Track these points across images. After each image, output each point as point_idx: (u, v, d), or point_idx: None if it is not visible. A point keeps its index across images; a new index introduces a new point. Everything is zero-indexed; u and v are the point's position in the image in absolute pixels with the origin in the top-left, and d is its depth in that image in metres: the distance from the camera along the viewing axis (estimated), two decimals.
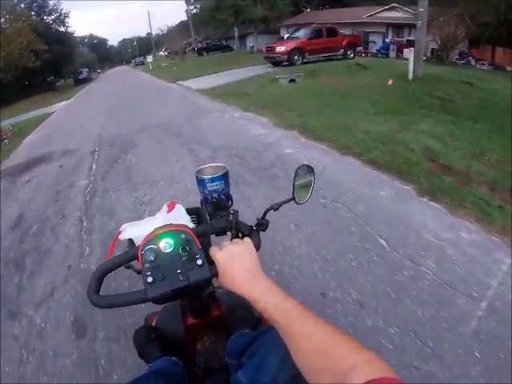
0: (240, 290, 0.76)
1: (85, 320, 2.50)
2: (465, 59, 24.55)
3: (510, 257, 2.75)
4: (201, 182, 1.05)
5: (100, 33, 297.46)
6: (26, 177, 6.14)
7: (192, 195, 3.90)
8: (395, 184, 4.10)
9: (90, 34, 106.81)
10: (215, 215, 1.06)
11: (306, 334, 0.64)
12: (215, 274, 0.82)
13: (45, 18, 39.28)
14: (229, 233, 0.99)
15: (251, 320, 1.21)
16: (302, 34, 17.95)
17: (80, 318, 2.54)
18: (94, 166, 5.93)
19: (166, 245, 0.85)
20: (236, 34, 36.81)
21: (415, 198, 3.76)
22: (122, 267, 0.92)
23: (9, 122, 14.82)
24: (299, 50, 16.82)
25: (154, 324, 1.27)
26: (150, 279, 0.80)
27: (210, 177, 1.03)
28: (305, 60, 17.00)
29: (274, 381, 0.80)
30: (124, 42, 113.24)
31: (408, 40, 24.32)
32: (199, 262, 0.83)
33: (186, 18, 58.25)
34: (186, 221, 1.06)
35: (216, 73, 17.58)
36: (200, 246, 0.86)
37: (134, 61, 65.34)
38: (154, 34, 72.28)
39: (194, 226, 1.08)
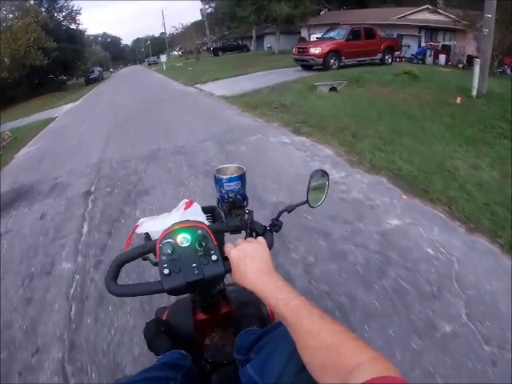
0: (252, 286, 0.77)
1: None
2: (501, 68, 22.10)
3: None
4: (218, 182, 1.04)
5: (114, 32, 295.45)
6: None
7: None
8: None
9: (104, 33, 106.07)
10: (231, 214, 1.06)
11: (313, 331, 0.64)
12: (229, 270, 0.84)
13: (55, 14, 37.22)
14: (243, 231, 1.00)
15: (259, 318, 1.20)
16: (337, 34, 15.52)
17: None
18: (86, 228, 3.81)
19: (183, 239, 0.87)
20: (254, 34, 34.68)
21: None
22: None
23: (10, 126, 13.80)
24: (336, 53, 14.53)
25: (164, 318, 1.27)
26: (166, 271, 0.82)
27: (227, 177, 1.03)
28: (341, 64, 14.75)
29: (282, 373, 0.78)
30: (137, 41, 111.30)
31: (444, 45, 21.96)
32: (214, 257, 0.86)
33: (199, 18, 56.93)
34: (202, 218, 1.04)
35: (238, 75, 15.39)
36: (215, 243, 0.88)
37: (147, 60, 63.72)
38: (167, 33, 70.45)
39: (208, 223, 1.03)
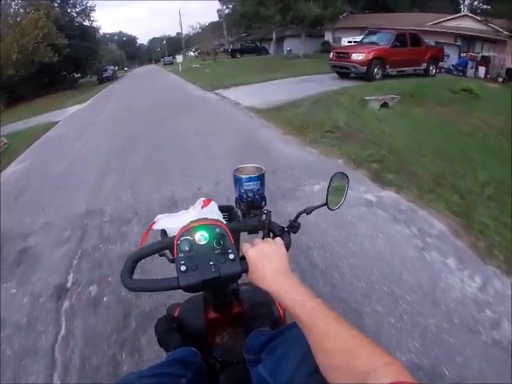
0: (268, 286, 0.76)
1: None
2: None
3: None
4: (238, 181, 1.00)
5: (130, 31, 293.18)
6: None
7: None
8: None
9: (120, 31, 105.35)
10: (249, 214, 1.01)
11: (329, 334, 0.63)
12: (245, 270, 0.83)
13: (68, 10, 35.39)
14: (261, 232, 0.99)
15: (271, 319, 1.18)
16: (381, 39, 13.27)
17: None
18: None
19: (200, 237, 0.86)
20: (274, 36, 32.60)
21: None
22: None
23: (12, 128, 12.39)
24: (380, 61, 12.38)
25: (176, 314, 1.26)
26: (183, 268, 0.81)
27: (247, 176, 0.98)
28: (384, 74, 12.65)
29: (295, 375, 0.77)
30: (153, 40, 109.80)
31: (483, 56, 19.77)
32: (231, 256, 0.84)
33: (216, 19, 55.29)
34: (219, 217, 1.02)
35: (265, 81, 13.37)
36: (233, 242, 0.88)
37: (162, 60, 61.88)
38: (184, 33, 68.56)
39: (225, 222, 1.00)
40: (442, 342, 1.99)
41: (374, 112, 7.89)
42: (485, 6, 38.09)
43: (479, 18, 21.16)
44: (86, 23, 37.33)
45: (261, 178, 1.00)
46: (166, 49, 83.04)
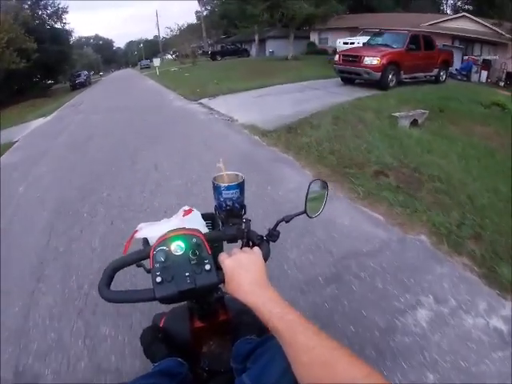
0: (245, 298, 0.73)
1: None
2: None
3: None
4: (217, 189, 0.96)
5: (107, 34, 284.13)
6: None
7: None
8: None
9: (96, 35, 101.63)
10: (228, 222, 0.99)
11: (308, 346, 0.61)
12: (222, 280, 0.81)
13: (39, 12, 32.58)
14: (240, 240, 0.97)
15: (257, 326, 1.12)
16: (394, 41, 11.41)
17: None
18: None
19: (177, 247, 0.85)
20: (256, 38, 30.58)
21: None
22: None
23: None
24: (395, 66, 10.56)
25: (161, 324, 1.23)
26: (158, 279, 0.79)
27: (226, 185, 0.95)
28: (398, 80, 10.84)
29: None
30: (130, 44, 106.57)
31: (484, 60, 18.26)
32: (207, 266, 0.83)
33: (195, 21, 53.10)
34: (201, 226, 1.02)
35: (257, 88, 11.36)
36: (210, 252, 0.85)
37: (139, 63, 58.93)
38: (161, 36, 66.08)
39: (208, 230, 1.04)
40: None
41: (408, 133, 6.09)
42: (468, 7, 37.28)
43: (478, 20, 19.70)
44: (58, 26, 34.84)
45: (240, 186, 0.96)
46: (144, 52, 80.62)
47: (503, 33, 17.35)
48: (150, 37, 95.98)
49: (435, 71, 12.34)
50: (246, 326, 1.13)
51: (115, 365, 1.96)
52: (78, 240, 3.36)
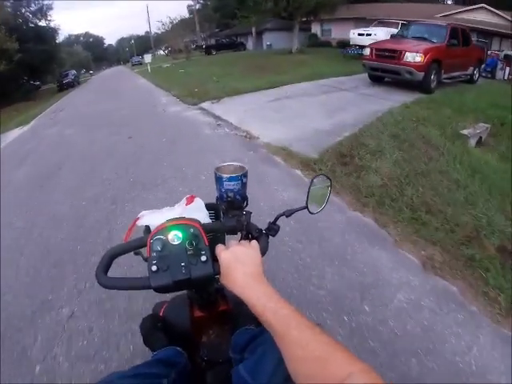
0: (239, 291, 0.71)
1: None
2: None
3: None
4: (218, 180, 0.92)
5: (98, 31, 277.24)
6: None
7: None
8: None
9: (86, 32, 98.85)
10: (228, 214, 0.94)
11: (302, 341, 0.59)
12: (218, 272, 0.78)
13: (22, 10, 30.24)
14: (239, 233, 0.93)
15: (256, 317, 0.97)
16: (431, 34, 9.35)
17: None
18: None
19: (174, 237, 0.81)
20: (254, 30, 28.44)
21: None
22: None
23: None
24: (437, 64, 8.62)
25: (161, 313, 1.19)
26: (154, 268, 0.76)
27: (228, 175, 0.91)
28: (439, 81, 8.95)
29: (275, 374, 0.75)
30: (122, 40, 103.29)
31: (506, 55, 16.30)
32: (203, 258, 0.79)
33: (186, 15, 50.76)
34: (204, 215, 0.96)
35: (269, 88, 9.39)
36: (207, 243, 0.81)
37: (131, 60, 56.47)
38: (153, 31, 63.33)
39: (210, 221, 0.98)
40: None
41: (488, 161, 4.24)
42: None
43: (498, 12, 17.79)
44: (43, 24, 32.38)
45: (242, 178, 0.92)
46: (135, 49, 77.74)
47: None
48: (142, 33, 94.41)
49: (470, 70, 10.49)
50: (246, 316, 1.04)
51: None
52: None
